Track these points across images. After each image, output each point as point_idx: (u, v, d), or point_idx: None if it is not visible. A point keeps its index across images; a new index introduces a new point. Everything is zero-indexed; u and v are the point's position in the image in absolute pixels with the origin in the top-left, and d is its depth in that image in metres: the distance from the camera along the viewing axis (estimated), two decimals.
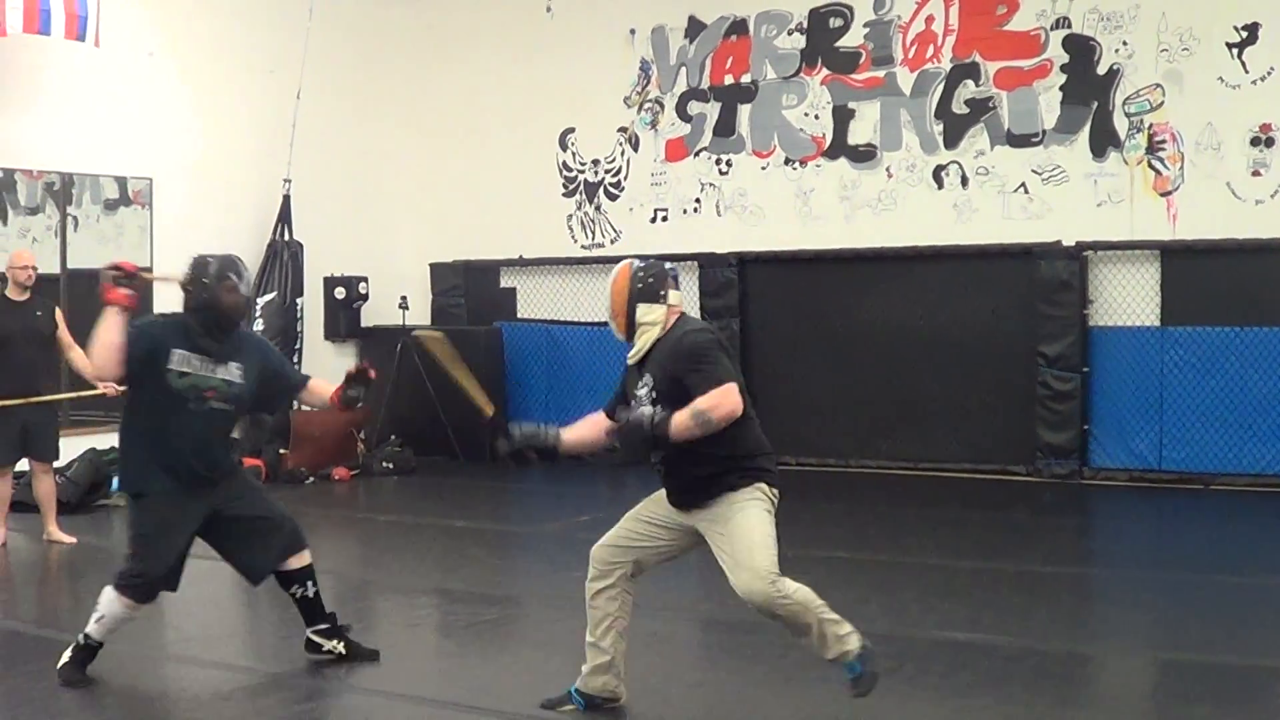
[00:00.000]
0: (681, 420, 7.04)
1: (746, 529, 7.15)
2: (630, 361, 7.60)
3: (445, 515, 14.97)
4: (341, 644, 8.87)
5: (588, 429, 7.91)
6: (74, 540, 13.18)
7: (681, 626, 10.07)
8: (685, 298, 16.47)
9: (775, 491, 7.36)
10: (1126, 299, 16.02)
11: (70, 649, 8.43)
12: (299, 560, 8.79)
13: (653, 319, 7.44)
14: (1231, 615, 10.11)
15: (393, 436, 18.39)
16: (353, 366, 9.04)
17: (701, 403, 7.03)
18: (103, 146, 16.76)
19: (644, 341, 7.47)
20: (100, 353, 8.16)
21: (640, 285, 7.45)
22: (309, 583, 8.84)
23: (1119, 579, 11.60)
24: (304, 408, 18.18)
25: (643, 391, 7.37)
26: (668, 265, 7.71)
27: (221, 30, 18.03)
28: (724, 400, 7.03)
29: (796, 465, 16.58)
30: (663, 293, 7.47)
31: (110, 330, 8.10)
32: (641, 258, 7.74)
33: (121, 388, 13.19)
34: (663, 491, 7.63)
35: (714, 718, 7.89)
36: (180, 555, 8.40)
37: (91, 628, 8.39)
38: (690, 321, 7.61)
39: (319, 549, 14.05)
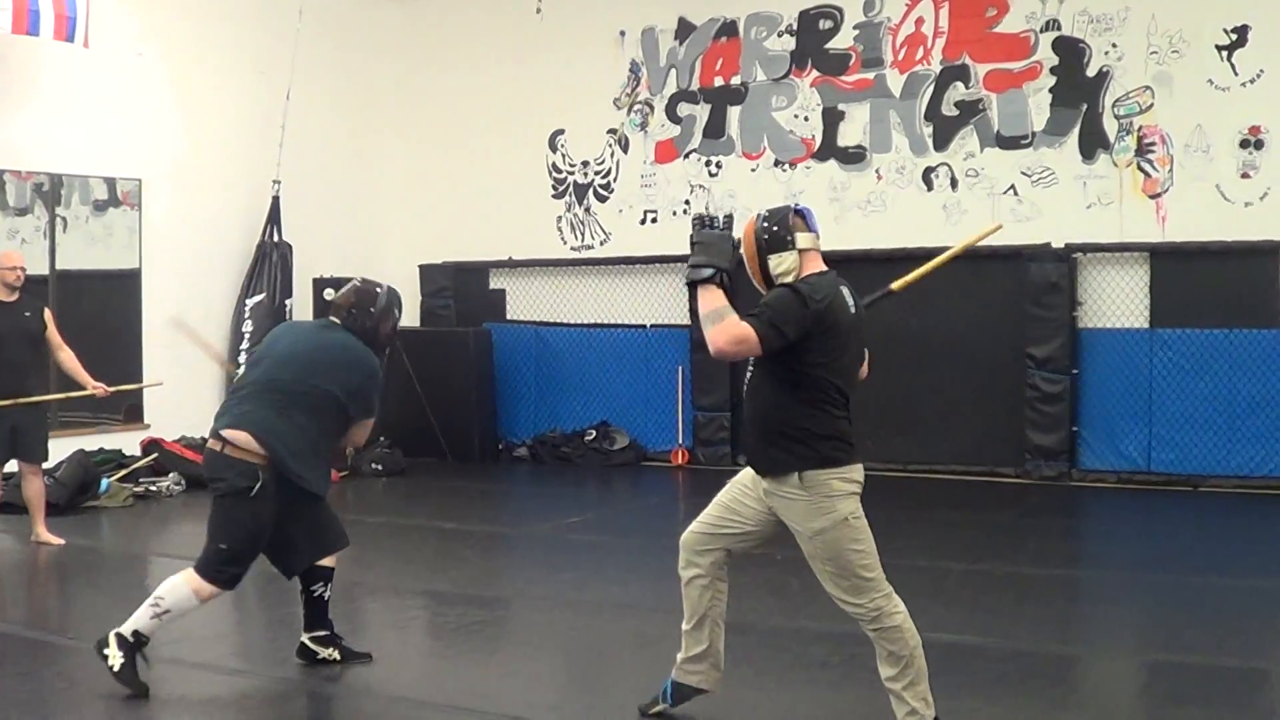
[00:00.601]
0: (707, 299, 6.82)
1: (846, 539, 7.02)
2: None
3: (434, 517, 14.97)
4: (336, 651, 8.86)
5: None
6: (62, 542, 13.16)
7: (671, 628, 10.03)
8: (675, 299, 16.47)
9: (849, 474, 7.14)
10: (1116, 301, 16.05)
11: (118, 646, 8.24)
12: (333, 560, 8.86)
13: (785, 268, 7.12)
14: (1220, 616, 10.13)
15: (381, 438, 18.36)
16: None
17: (718, 316, 6.77)
18: (92, 147, 16.74)
19: None
20: None
21: (766, 237, 7.16)
22: (329, 585, 8.87)
23: (1108, 580, 11.62)
24: None
25: None
26: (796, 205, 7.44)
27: (211, 31, 18.01)
28: (724, 331, 6.73)
29: None
30: (789, 238, 7.16)
31: None
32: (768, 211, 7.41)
33: (111, 389, 13.24)
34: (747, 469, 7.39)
35: (705, 718, 7.88)
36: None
37: (147, 624, 8.27)
38: (818, 273, 7.18)
39: None
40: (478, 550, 13.23)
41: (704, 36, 18.65)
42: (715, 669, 7.63)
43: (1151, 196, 15.89)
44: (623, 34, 19.24)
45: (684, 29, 18.79)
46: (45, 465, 13.55)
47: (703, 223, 7.09)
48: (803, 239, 7.19)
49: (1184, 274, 15.77)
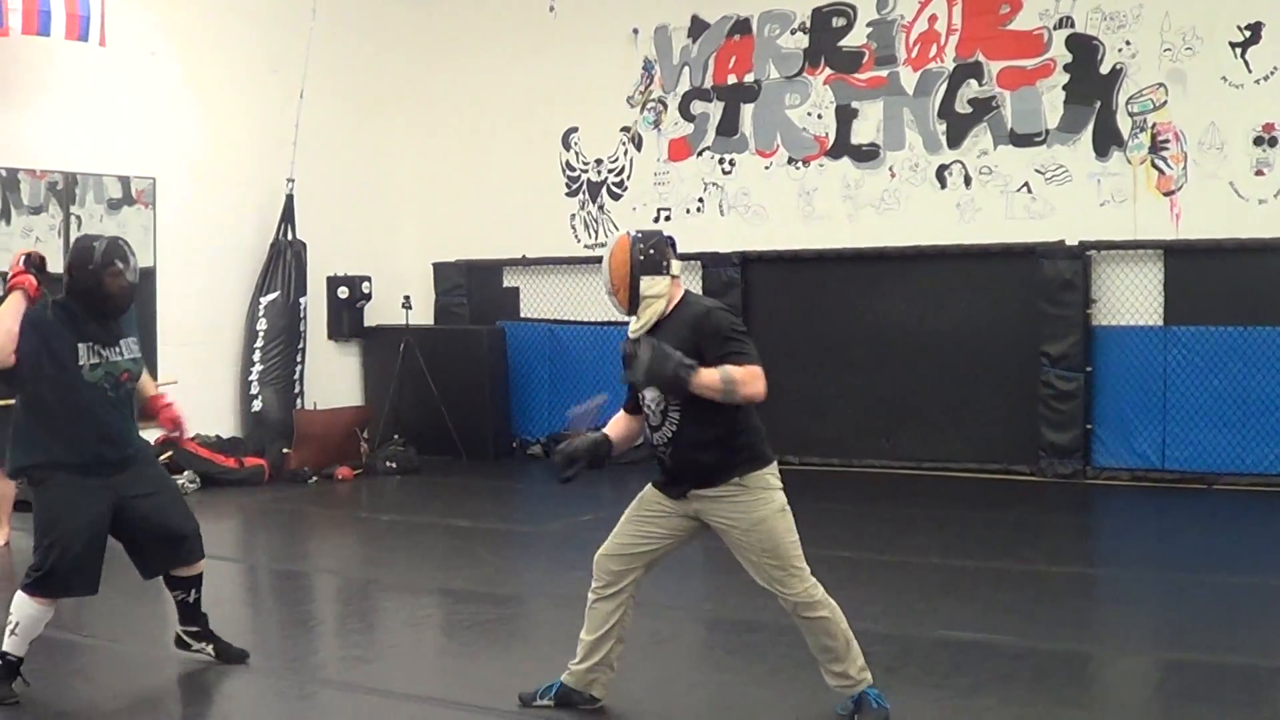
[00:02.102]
0: (710, 376, 6.96)
1: (781, 528, 7.26)
2: (632, 335, 7.43)
3: (448, 514, 14.97)
4: (211, 646, 8.85)
5: (623, 425, 7.86)
6: None
7: (685, 626, 10.07)
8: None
9: (774, 469, 7.37)
10: (1130, 298, 16.02)
11: None
12: (191, 570, 8.69)
13: (657, 291, 7.33)
14: (1235, 615, 10.11)
15: (396, 436, 18.39)
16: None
17: (735, 372, 6.97)
18: (106, 146, 16.76)
19: (649, 315, 7.36)
20: None
21: (642, 257, 7.31)
22: (193, 590, 8.75)
23: (1122, 579, 11.61)
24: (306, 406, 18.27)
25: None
26: (665, 233, 7.59)
27: (225, 30, 18.03)
28: (756, 381, 7.00)
29: (800, 465, 16.59)
30: (665, 264, 7.36)
31: (10, 317, 7.93)
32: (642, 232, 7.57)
33: None
34: (653, 488, 7.62)
35: (716, 717, 7.89)
36: (95, 548, 8.16)
37: (8, 643, 8.09)
38: (699, 297, 7.55)
39: (322, 548, 14.17)
40: (491, 548, 13.23)
41: (717, 34, 18.63)
42: (604, 685, 7.76)
43: (1165, 194, 15.85)
44: (636, 31, 19.23)
45: (697, 26, 18.78)
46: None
47: (627, 352, 7.29)
48: (675, 266, 7.44)
49: (1198, 271, 15.73)
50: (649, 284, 7.31)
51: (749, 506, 7.21)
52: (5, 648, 8.05)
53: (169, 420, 8.74)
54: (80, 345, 8.05)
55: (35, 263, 8.10)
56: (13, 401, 12.70)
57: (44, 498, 8.11)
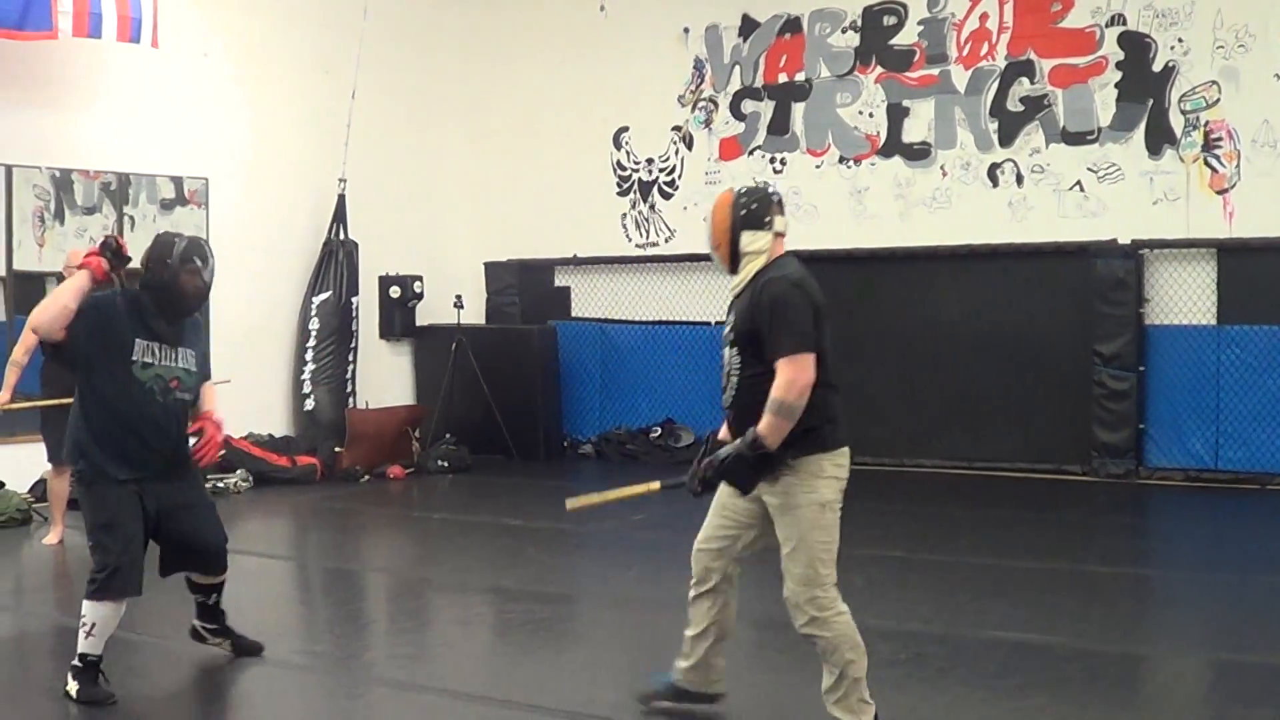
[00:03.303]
0: (771, 425, 6.74)
1: (821, 521, 6.97)
2: (733, 294, 7.23)
3: (500, 513, 14.99)
4: (228, 642, 8.88)
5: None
6: None
7: (738, 626, 10.06)
8: None
9: (838, 459, 7.10)
10: (1183, 297, 15.94)
11: (71, 674, 8.04)
12: (212, 580, 8.73)
13: (758, 247, 7.11)
14: None
15: (447, 435, 18.43)
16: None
17: (777, 392, 6.72)
18: (159, 147, 16.86)
19: (747, 273, 7.13)
20: (48, 311, 7.90)
21: (744, 211, 7.11)
22: (214, 595, 8.79)
23: (1175, 580, 11.55)
24: (359, 406, 18.33)
25: (727, 334, 7.19)
26: (771, 189, 7.39)
27: (276, 31, 18.12)
28: (797, 377, 6.73)
29: (852, 465, 16.52)
30: (768, 219, 7.14)
31: (70, 294, 7.91)
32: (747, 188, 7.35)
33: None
34: None
35: (765, 716, 7.88)
36: (140, 550, 8.16)
37: (84, 644, 8.01)
38: (785, 264, 7.17)
39: (374, 547, 14.22)
40: (542, 547, 13.23)
41: (768, 33, 18.62)
42: (717, 679, 7.66)
43: (1218, 192, 15.77)
44: (686, 31, 19.24)
45: (748, 26, 18.77)
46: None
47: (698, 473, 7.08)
48: (779, 222, 7.20)
49: (1252, 270, 15.64)
50: (749, 239, 7.11)
51: (790, 489, 6.95)
52: (83, 649, 8.01)
53: (205, 442, 8.56)
54: (138, 340, 8.03)
55: (111, 247, 8.09)
56: (67, 400, 12.92)
57: (94, 500, 8.11)
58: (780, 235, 7.19)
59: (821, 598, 6.97)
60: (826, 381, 6.94)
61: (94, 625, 7.99)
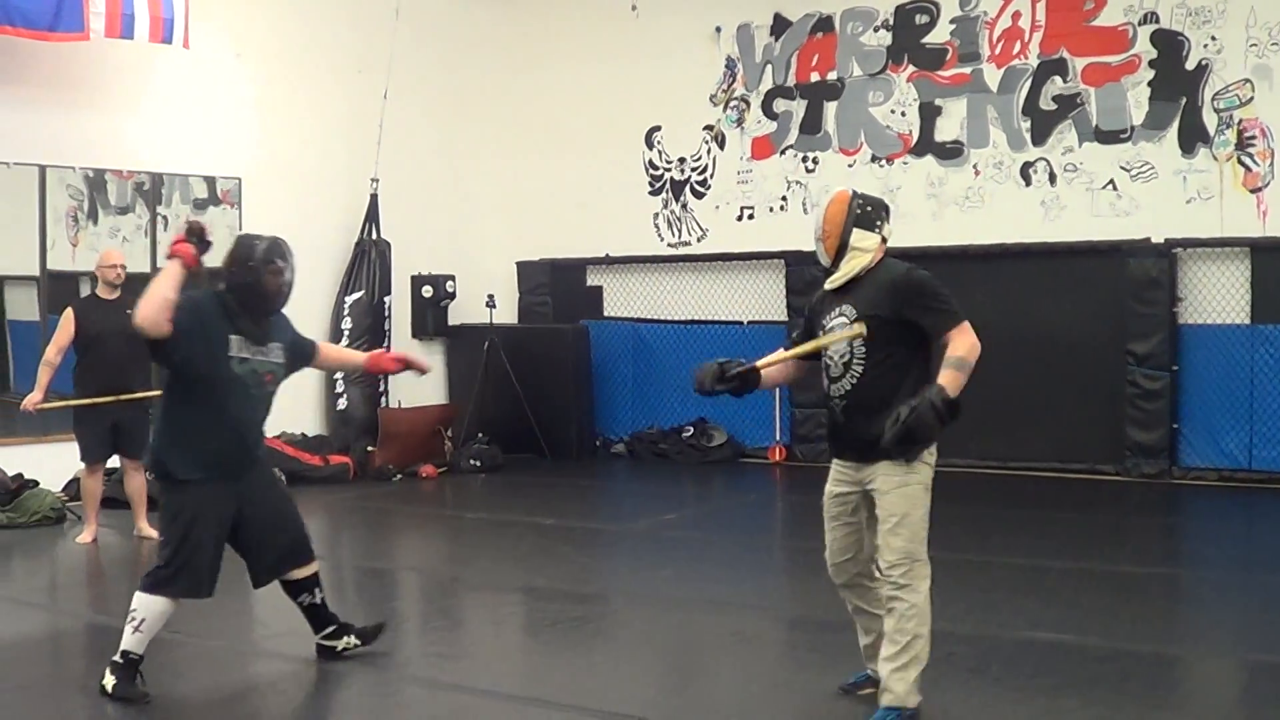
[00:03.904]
0: (953, 378, 7.20)
1: (922, 509, 7.40)
2: (829, 287, 7.66)
3: (532, 513, 15.00)
4: (352, 637, 8.94)
5: (781, 368, 8.04)
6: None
7: (767, 625, 10.07)
8: (772, 296, 16.60)
9: (933, 449, 7.48)
10: (1216, 296, 15.89)
11: (110, 669, 8.10)
12: (304, 571, 8.76)
13: (866, 246, 7.52)
14: None
15: (480, 434, 18.46)
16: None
17: (958, 351, 7.26)
18: (192, 147, 16.92)
19: (850, 268, 7.53)
20: (152, 304, 7.81)
21: (859, 211, 7.53)
22: (315, 590, 8.82)
23: (1208, 580, 11.51)
24: (391, 405, 18.35)
25: (837, 321, 7.52)
26: (885, 200, 7.93)
27: (308, 31, 18.16)
28: (973, 347, 7.33)
29: None
30: (879, 223, 7.59)
31: (168, 285, 7.87)
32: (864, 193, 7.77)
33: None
34: (831, 475, 7.70)
35: (799, 716, 7.88)
36: (219, 554, 8.25)
37: (129, 640, 8.07)
38: (898, 261, 7.61)
39: (406, 546, 14.24)
40: (575, 546, 13.25)
41: (800, 32, 18.61)
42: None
43: (1252, 191, 15.72)
44: (718, 30, 19.24)
45: (780, 25, 18.77)
46: (146, 461, 13.71)
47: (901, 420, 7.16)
48: (887, 230, 7.66)
49: None
50: (860, 237, 7.51)
51: (900, 473, 7.35)
52: (126, 645, 8.07)
53: (391, 362, 9.22)
54: (232, 337, 8.15)
55: (196, 232, 8.10)
56: (99, 399, 12.95)
57: (176, 500, 8.14)
58: (885, 242, 7.64)
59: (918, 566, 7.34)
60: (926, 380, 7.37)
61: (143, 620, 8.05)
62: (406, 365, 9.27)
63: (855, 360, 7.43)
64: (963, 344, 7.28)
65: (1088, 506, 14.88)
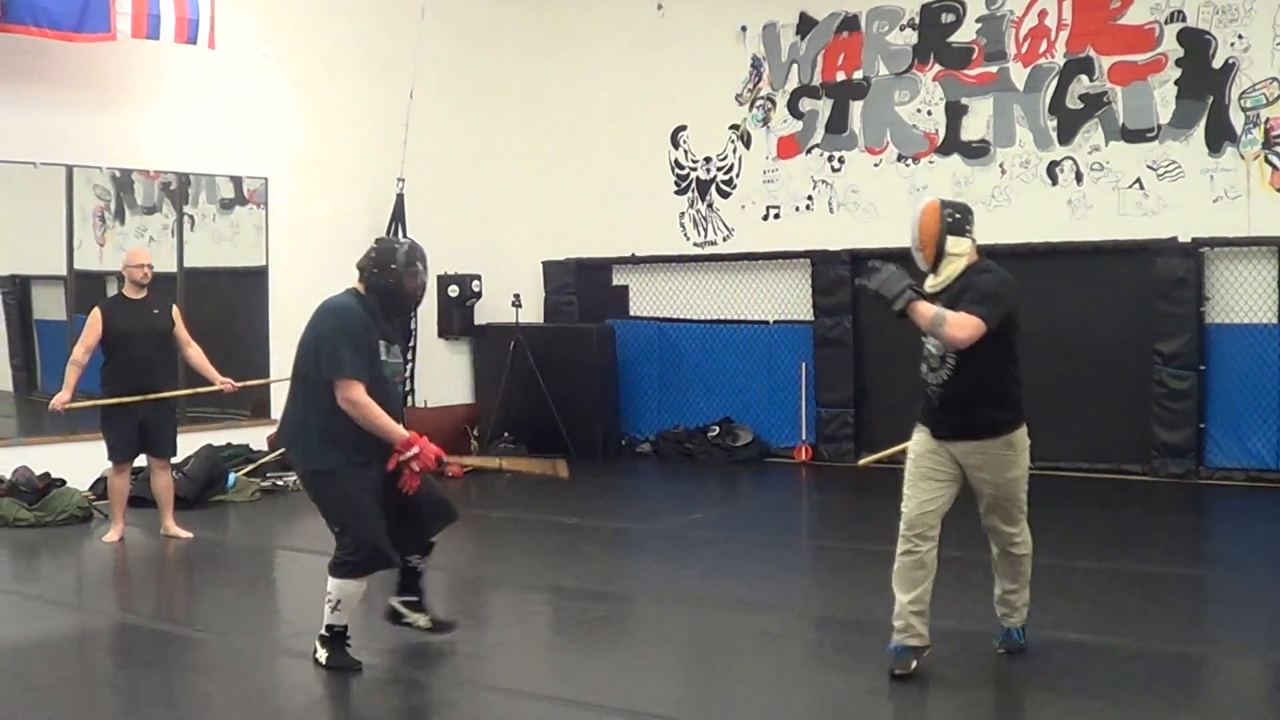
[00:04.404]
0: (926, 309, 7.95)
1: (1024, 481, 8.58)
2: (930, 290, 8.29)
3: (557, 512, 15.00)
4: (425, 618, 9.19)
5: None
6: (190, 535, 13.34)
7: (793, 624, 10.06)
8: (798, 295, 16.63)
9: (1027, 434, 8.55)
10: (1244, 296, 15.84)
11: (320, 643, 8.61)
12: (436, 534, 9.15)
13: (960, 251, 8.29)
14: None
15: (505, 433, 18.48)
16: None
17: (948, 314, 7.93)
18: (218, 147, 16.97)
19: (950, 271, 8.29)
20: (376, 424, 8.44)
21: (950, 220, 8.30)
22: (426, 557, 9.18)
23: (1235, 580, 11.46)
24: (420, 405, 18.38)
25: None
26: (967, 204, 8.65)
27: (334, 31, 18.20)
28: (966, 326, 7.89)
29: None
30: (969, 228, 8.38)
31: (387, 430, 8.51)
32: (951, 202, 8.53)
33: (238, 385, 13.47)
34: (920, 443, 8.56)
35: (824, 715, 7.88)
36: (385, 527, 8.60)
37: (330, 617, 8.56)
38: (991, 263, 8.43)
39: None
40: (600, 546, 13.26)
41: (825, 31, 18.59)
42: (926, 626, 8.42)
43: (1279, 189, 15.67)
44: (744, 29, 19.23)
45: (805, 24, 18.75)
46: (174, 460, 13.75)
47: (871, 267, 8.37)
48: (975, 232, 8.44)
49: None
50: (954, 243, 8.29)
51: (1010, 463, 8.42)
52: (330, 621, 8.57)
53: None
54: (381, 342, 8.66)
55: (440, 467, 8.89)
56: (126, 399, 12.99)
57: (338, 489, 8.53)
58: (974, 242, 8.41)
59: (1026, 529, 8.70)
60: (1017, 377, 8.47)
61: (340, 601, 8.53)
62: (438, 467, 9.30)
63: (948, 357, 8.21)
64: (959, 316, 7.91)
65: (1114, 506, 14.85)
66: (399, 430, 8.49)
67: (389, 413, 8.58)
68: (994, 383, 8.28)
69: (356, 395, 8.34)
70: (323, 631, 8.59)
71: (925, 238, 8.31)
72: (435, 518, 9.02)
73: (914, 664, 8.17)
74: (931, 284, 8.33)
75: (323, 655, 8.56)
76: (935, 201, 8.46)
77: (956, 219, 8.32)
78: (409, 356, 18.36)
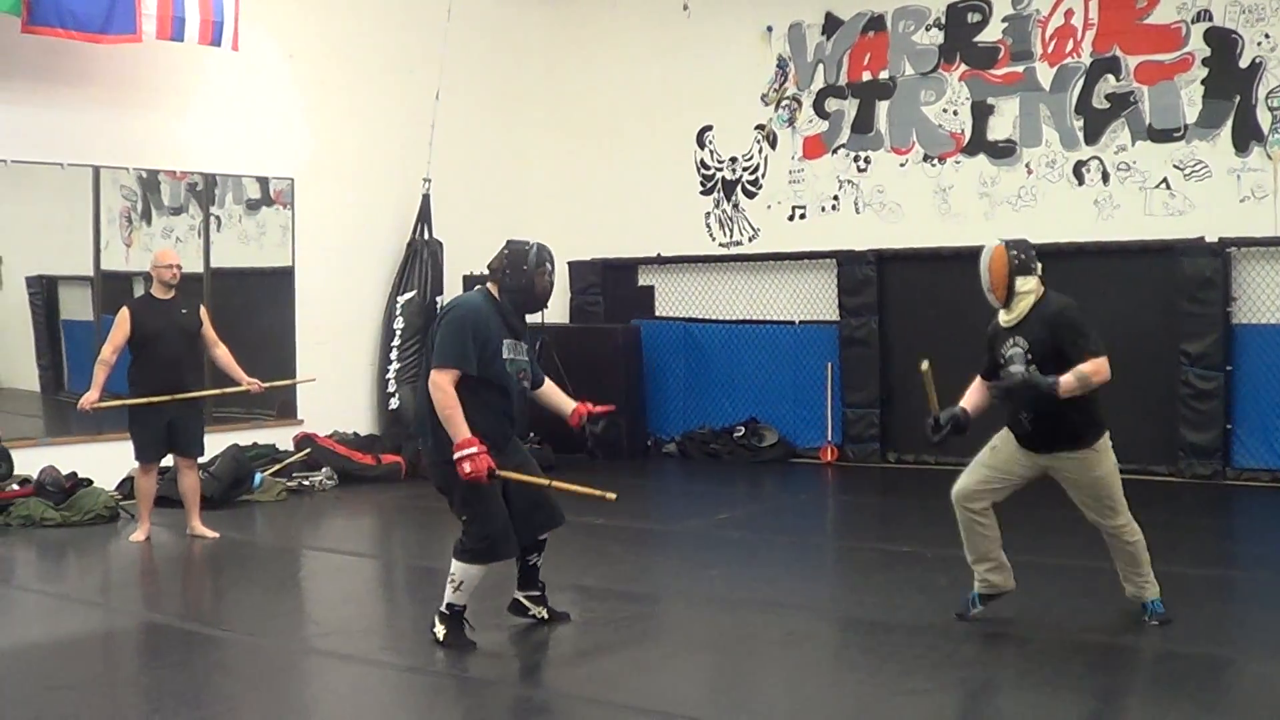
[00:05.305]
0: (1069, 382, 8.76)
1: (1112, 479, 9.33)
2: (1005, 325, 9.26)
3: (583, 512, 14.91)
4: (544, 610, 9.67)
5: (978, 394, 9.72)
6: (216, 535, 13.38)
7: (818, 626, 10.05)
8: (824, 296, 16.63)
9: (1109, 440, 9.28)
10: (1271, 296, 15.80)
11: (439, 619, 9.08)
12: (549, 534, 9.66)
13: (1029, 288, 9.17)
14: None
15: (531, 434, 18.45)
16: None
17: (1085, 368, 8.77)
18: (244, 147, 17.01)
19: (1023, 307, 9.16)
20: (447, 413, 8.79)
21: (1017, 261, 9.13)
22: (541, 553, 9.73)
23: (1262, 581, 11.43)
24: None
25: (1015, 350, 9.09)
26: (1027, 240, 9.39)
27: (360, 32, 18.23)
28: (1102, 369, 8.83)
29: (935, 464, 16.52)
30: (1034, 265, 9.19)
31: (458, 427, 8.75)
32: (1011, 242, 9.34)
33: (265, 385, 13.53)
34: (1006, 441, 9.48)
35: (850, 716, 7.88)
36: (508, 516, 9.09)
37: (451, 596, 9.03)
38: (1056, 296, 9.22)
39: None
40: (626, 546, 13.25)
41: (851, 31, 18.58)
42: (1008, 575, 9.51)
43: None
44: (770, 29, 19.23)
45: (831, 24, 18.74)
46: (200, 460, 13.79)
47: (1005, 373, 9.21)
48: (1039, 267, 9.22)
49: None
50: (1023, 282, 9.16)
51: (1094, 464, 9.20)
52: (450, 599, 9.08)
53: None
54: (505, 341, 9.10)
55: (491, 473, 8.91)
56: (154, 399, 13.04)
57: (465, 480, 8.79)
58: (1040, 278, 9.22)
59: (1129, 521, 9.48)
60: (1088, 396, 9.02)
61: (462, 583, 9.04)
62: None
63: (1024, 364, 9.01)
64: (1091, 366, 8.80)
65: (1140, 507, 14.60)
66: (465, 430, 8.67)
67: (511, 407, 9.14)
68: (1076, 399, 8.89)
69: (444, 382, 8.76)
70: (442, 609, 9.05)
71: (995, 280, 9.17)
72: (541, 519, 9.49)
73: (978, 609, 9.35)
74: (1006, 319, 9.26)
75: (440, 631, 9.01)
76: (1001, 245, 9.22)
77: (1022, 260, 9.12)
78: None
